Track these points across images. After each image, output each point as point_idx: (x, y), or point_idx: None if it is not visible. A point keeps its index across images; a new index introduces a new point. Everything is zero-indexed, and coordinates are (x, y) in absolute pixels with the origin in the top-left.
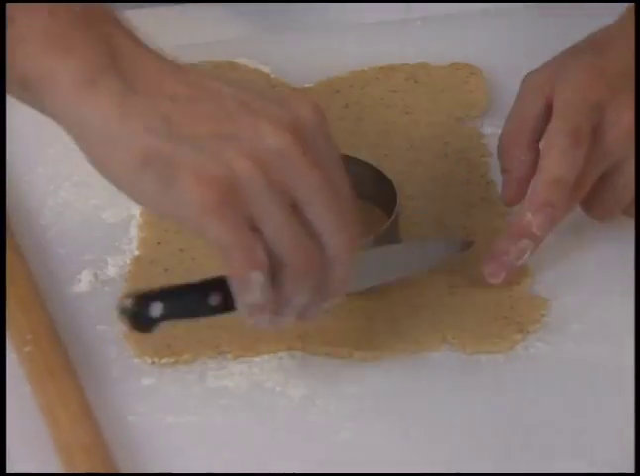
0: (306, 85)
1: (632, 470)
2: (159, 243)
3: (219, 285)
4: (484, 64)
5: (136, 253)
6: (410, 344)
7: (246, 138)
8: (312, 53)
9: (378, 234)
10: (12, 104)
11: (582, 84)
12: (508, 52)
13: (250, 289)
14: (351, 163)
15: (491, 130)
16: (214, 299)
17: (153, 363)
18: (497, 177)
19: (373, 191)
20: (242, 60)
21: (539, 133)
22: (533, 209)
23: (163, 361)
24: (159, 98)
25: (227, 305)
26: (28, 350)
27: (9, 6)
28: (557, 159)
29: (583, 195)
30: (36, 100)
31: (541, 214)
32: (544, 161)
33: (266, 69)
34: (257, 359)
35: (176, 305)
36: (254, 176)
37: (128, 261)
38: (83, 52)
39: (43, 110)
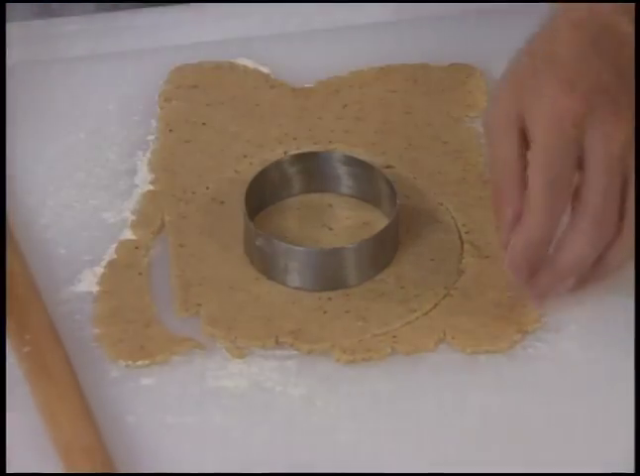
0: (306, 85)
1: (632, 470)
2: (136, 248)
3: None
4: (484, 65)
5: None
6: (407, 346)
7: None
8: (312, 53)
9: (378, 233)
10: (12, 104)
11: (556, 105)
12: (508, 52)
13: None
14: (350, 162)
15: None
16: None
17: (127, 366)
18: None
19: (372, 191)
20: (241, 61)
21: (525, 170)
22: (512, 270)
23: (138, 363)
24: None
25: None
26: (27, 350)
27: None
28: (536, 218)
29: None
30: None
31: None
32: (524, 218)
33: (265, 69)
34: (256, 359)
35: None
36: None
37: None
38: None
39: None
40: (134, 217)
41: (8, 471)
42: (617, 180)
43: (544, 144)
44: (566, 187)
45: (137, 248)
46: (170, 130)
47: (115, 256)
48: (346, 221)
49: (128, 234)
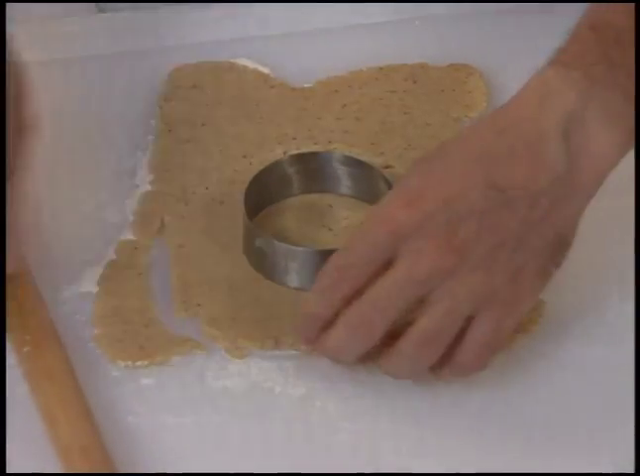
0: (305, 85)
1: (632, 470)
2: (136, 248)
3: None
4: (483, 65)
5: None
6: None
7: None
8: (311, 52)
9: None
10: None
11: (385, 210)
12: (507, 52)
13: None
14: (349, 163)
15: None
16: None
17: (126, 366)
18: None
19: (371, 191)
20: (241, 60)
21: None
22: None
23: (137, 364)
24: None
25: None
26: (27, 350)
27: None
28: (312, 296)
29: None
30: None
31: None
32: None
33: (264, 69)
34: (256, 359)
35: None
36: None
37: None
38: None
39: None
40: (134, 217)
41: (7, 471)
42: (400, 300)
43: (354, 235)
44: (353, 278)
45: (137, 248)
46: (170, 130)
47: (115, 256)
48: (345, 221)
49: (128, 234)
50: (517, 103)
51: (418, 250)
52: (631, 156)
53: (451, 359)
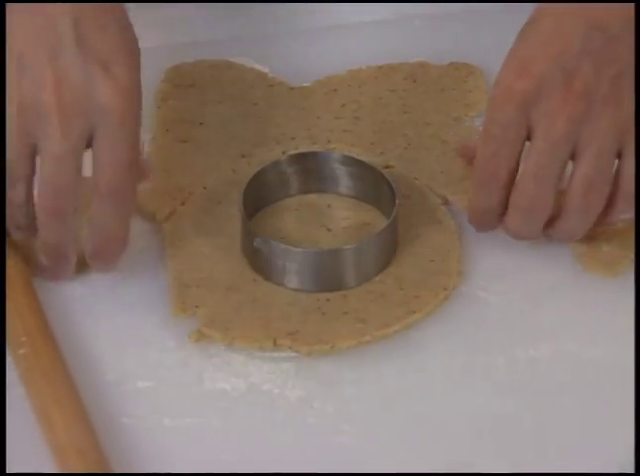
0: (304, 84)
1: (632, 470)
2: None
3: None
4: (484, 64)
5: None
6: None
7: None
8: (310, 51)
9: (377, 234)
10: None
11: (503, 85)
12: (507, 51)
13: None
14: (349, 162)
15: None
16: None
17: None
18: None
19: (371, 191)
20: (239, 59)
21: None
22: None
23: None
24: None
25: None
26: (23, 352)
27: None
28: (474, 190)
29: None
30: None
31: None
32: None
33: (263, 68)
34: (254, 361)
35: None
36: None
37: None
38: None
39: None
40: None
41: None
42: (555, 164)
43: (485, 123)
44: (504, 163)
45: None
46: (167, 129)
47: None
48: (344, 222)
49: None
50: None
51: (547, 111)
52: None
53: (613, 204)
